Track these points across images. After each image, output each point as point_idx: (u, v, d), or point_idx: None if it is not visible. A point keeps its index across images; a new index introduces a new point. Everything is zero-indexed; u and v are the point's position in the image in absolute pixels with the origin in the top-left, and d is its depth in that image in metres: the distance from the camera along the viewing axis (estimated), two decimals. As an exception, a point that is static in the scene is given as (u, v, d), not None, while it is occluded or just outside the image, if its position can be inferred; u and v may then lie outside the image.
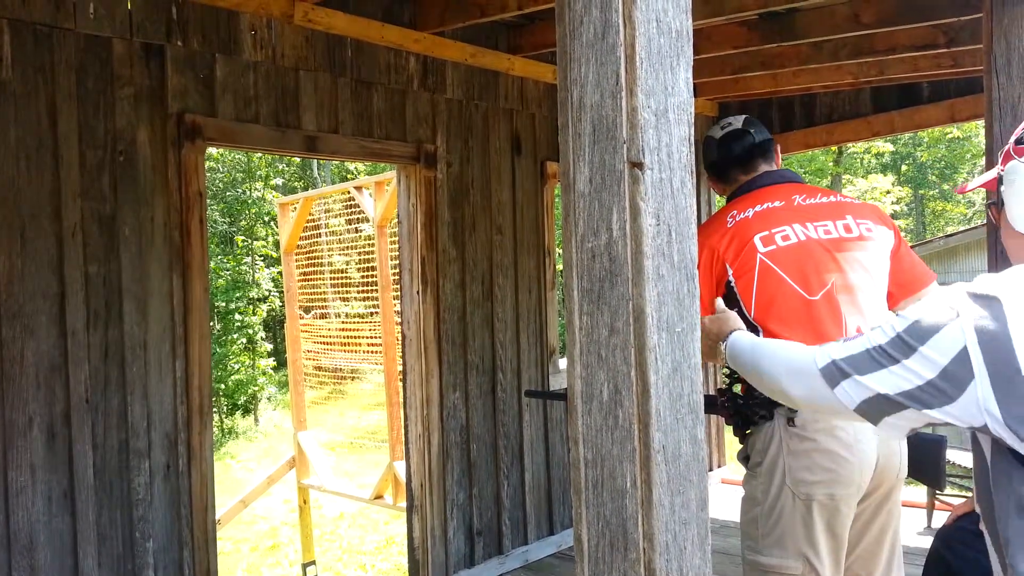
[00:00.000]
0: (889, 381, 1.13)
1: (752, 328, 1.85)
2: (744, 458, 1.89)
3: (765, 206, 1.92)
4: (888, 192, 19.83)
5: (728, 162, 2.08)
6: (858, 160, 19.66)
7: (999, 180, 1.24)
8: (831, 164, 18.54)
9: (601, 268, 1.19)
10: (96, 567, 2.59)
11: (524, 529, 4.10)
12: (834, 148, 17.73)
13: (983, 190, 1.37)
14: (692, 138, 1.19)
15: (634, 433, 1.16)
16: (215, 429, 12.99)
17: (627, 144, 1.14)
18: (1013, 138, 1.21)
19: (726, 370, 1.82)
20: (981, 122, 3.47)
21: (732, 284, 1.86)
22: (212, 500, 2.90)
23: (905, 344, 1.11)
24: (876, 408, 1.16)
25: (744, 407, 1.83)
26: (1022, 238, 1.20)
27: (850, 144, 17.38)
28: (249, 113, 3.09)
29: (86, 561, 2.57)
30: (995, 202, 1.27)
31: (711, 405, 2.01)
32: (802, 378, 1.27)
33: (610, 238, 1.17)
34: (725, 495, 5.06)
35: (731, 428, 1.92)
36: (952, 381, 1.06)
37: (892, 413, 1.14)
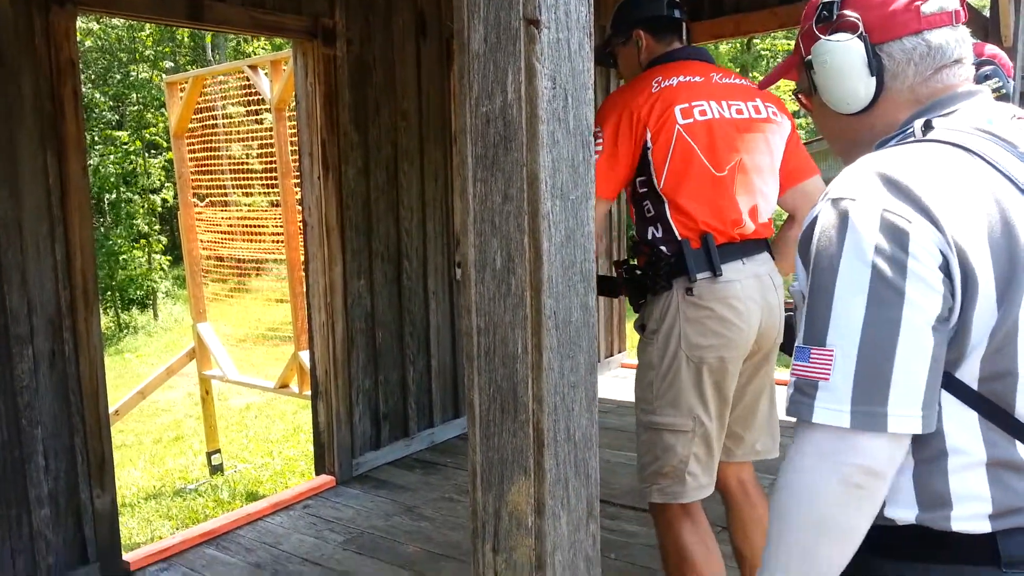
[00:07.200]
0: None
1: (658, 199, 1.89)
2: (640, 327, 1.97)
3: (688, 79, 1.94)
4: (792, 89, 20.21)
5: (671, 21, 2.07)
6: (764, 61, 20.03)
7: (807, 65, 1.16)
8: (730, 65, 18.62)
9: (495, 133, 1.16)
10: (-20, 455, 2.49)
11: (430, 412, 4.18)
12: (741, 41, 17.79)
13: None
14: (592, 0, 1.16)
15: (526, 300, 1.17)
16: (111, 324, 12.55)
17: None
18: (812, 19, 1.13)
19: (630, 241, 1.87)
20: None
21: (648, 150, 1.89)
22: (104, 387, 2.81)
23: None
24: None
25: (641, 278, 1.91)
26: (843, 119, 1.14)
27: (757, 39, 17.50)
28: (124, -26, 2.82)
29: (-32, 450, 2.47)
30: (803, 88, 1.22)
31: (611, 286, 2.06)
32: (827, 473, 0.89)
33: (505, 101, 1.14)
34: (625, 378, 5.29)
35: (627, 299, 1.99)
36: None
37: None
